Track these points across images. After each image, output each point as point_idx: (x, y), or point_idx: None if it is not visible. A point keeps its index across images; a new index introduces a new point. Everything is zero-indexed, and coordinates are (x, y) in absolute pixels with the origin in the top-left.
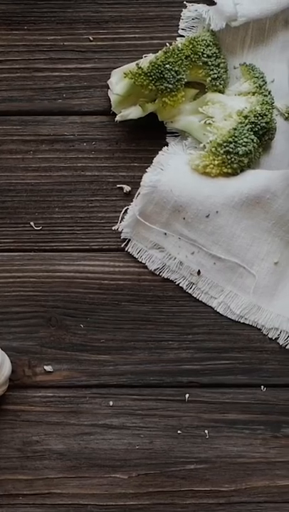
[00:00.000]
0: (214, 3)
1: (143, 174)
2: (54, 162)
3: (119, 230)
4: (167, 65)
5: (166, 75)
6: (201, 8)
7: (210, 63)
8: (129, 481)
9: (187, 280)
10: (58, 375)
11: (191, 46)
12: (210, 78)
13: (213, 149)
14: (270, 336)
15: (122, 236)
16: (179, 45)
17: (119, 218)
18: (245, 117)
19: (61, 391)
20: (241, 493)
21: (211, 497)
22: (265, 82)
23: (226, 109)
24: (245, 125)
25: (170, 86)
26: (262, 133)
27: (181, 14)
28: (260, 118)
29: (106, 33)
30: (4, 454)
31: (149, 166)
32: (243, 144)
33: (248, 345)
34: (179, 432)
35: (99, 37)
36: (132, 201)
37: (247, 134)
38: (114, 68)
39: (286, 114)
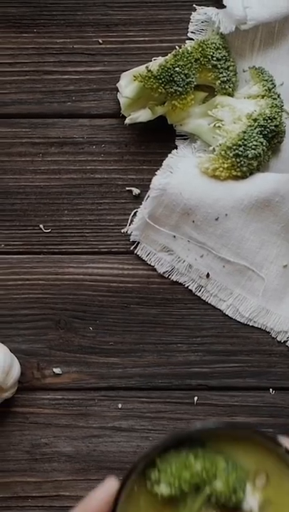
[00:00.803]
0: (224, 7)
1: (152, 177)
2: (63, 165)
3: (128, 232)
4: (177, 68)
5: (175, 78)
6: (211, 11)
7: (219, 66)
8: None
9: (196, 283)
10: (66, 378)
11: (200, 49)
12: (219, 81)
13: (223, 152)
14: (278, 339)
15: (131, 239)
16: (189, 48)
17: (128, 221)
18: (255, 120)
19: (70, 393)
20: None
21: None
22: (275, 85)
23: (235, 112)
24: (255, 128)
25: (180, 89)
26: (271, 136)
27: (191, 17)
28: (269, 121)
29: (115, 36)
30: (13, 457)
31: (158, 169)
32: (253, 147)
33: (256, 348)
34: None
35: (108, 40)
36: (141, 204)
37: (256, 137)
38: (124, 71)
39: None
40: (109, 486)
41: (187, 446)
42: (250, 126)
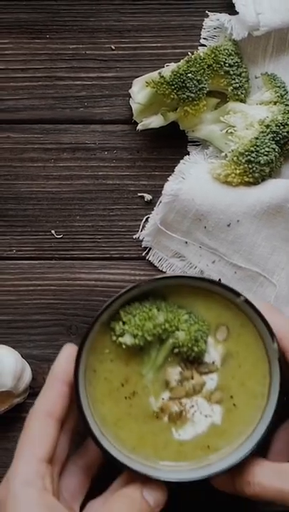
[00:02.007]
0: (236, 13)
1: (164, 183)
2: (75, 170)
3: (140, 238)
4: (189, 74)
5: (188, 84)
6: (223, 17)
7: (232, 72)
8: None
9: None
10: None
11: (213, 55)
12: (232, 87)
13: (235, 158)
14: None
15: (143, 245)
16: (201, 54)
17: (140, 227)
18: (267, 127)
19: None
20: None
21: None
22: (287, 92)
23: (247, 119)
24: (267, 134)
25: (192, 95)
26: (283, 142)
27: (203, 23)
28: (281, 127)
29: (128, 42)
30: None
31: (170, 175)
32: (265, 153)
33: None
34: None
35: (121, 46)
36: (153, 210)
37: (268, 144)
38: (136, 77)
39: None
40: (69, 349)
41: (150, 300)
42: (262, 132)
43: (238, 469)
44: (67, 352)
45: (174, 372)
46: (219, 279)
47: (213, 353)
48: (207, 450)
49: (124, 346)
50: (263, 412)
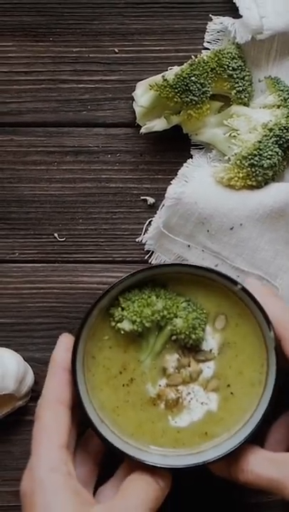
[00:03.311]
0: (240, 16)
1: (167, 186)
2: (78, 174)
3: (143, 241)
4: (193, 78)
5: (191, 88)
6: (227, 21)
7: (235, 76)
8: None
9: None
10: None
11: (216, 59)
12: (235, 91)
13: (238, 162)
14: None
15: (146, 248)
16: (205, 57)
17: (143, 230)
18: (270, 130)
19: None
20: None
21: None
22: None
23: (250, 122)
24: (270, 138)
25: (195, 98)
26: (286, 146)
27: (207, 27)
28: (284, 131)
29: (131, 45)
30: (26, 465)
31: (173, 178)
32: (268, 156)
33: None
34: None
35: (124, 49)
36: (155, 213)
37: (272, 147)
38: (139, 80)
39: None
40: (66, 338)
41: (149, 287)
42: (265, 136)
43: (235, 456)
44: (65, 340)
45: (171, 359)
46: (216, 265)
47: (211, 341)
48: (205, 437)
49: (122, 332)
50: (259, 399)
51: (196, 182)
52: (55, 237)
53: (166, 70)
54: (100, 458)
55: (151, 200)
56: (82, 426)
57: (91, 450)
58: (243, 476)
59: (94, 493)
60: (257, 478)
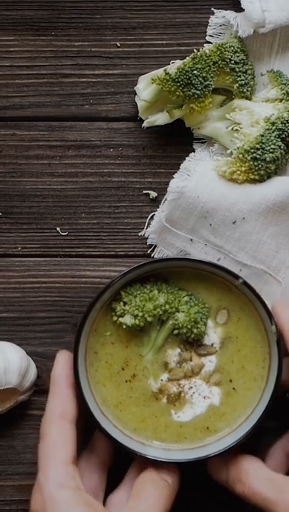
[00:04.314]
0: (242, 10)
1: (169, 180)
2: (80, 168)
3: (146, 235)
4: (195, 71)
5: (193, 81)
6: (229, 14)
7: (237, 70)
8: None
9: None
10: None
11: (218, 52)
12: (237, 85)
13: (240, 156)
14: None
15: (148, 242)
16: (207, 51)
17: (146, 224)
18: (273, 124)
19: None
20: None
21: (237, 505)
22: None
23: (253, 116)
24: (273, 132)
25: (198, 92)
26: None
27: (209, 21)
28: (287, 125)
29: (133, 39)
30: (29, 459)
31: (175, 172)
32: (270, 150)
33: None
34: None
35: (126, 43)
36: (158, 207)
37: (274, 141)
38: (142, 74)
39: None
40: (63, 355)
41: (151, 282)
42: (268, 129)
43: (236, 464)
44: (63, 357)
45: (173, 354)
46: (219, 259)
47: (213, 335)
48: (207, 431)
49: (124, 327)
50: (262, 394)
51: (199, 176)
52: (58, 232)
53: (169, 64)
54: (106, 467)
55: (153, 194)
56: (86, 433)
57: (96, 460)
58: (240, 487)
59: (104, 502)
60: (252, 494)
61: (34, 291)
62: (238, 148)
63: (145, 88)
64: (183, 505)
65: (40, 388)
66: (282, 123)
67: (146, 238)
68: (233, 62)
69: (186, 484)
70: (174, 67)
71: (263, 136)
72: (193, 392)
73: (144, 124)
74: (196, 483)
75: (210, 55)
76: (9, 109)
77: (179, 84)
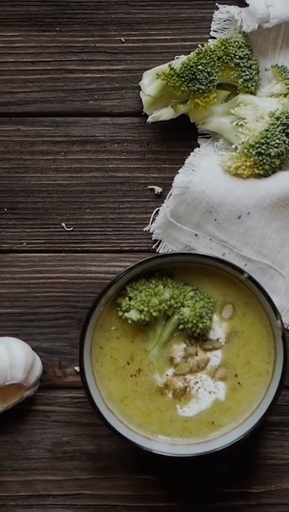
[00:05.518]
0: (246, 5)
1: (174, 175)
2: (85, 163)
3: (150, 231)
4: (199, 66)
5: (198, 76)
6: (233, 9)
7: (242, 65)
8: (160, 482)
9: None
10: None
11: (223, 48)
12: (242, 80)
13: (245, 150)
14: None
15: (153, 237)
16: (211, 46)
17: (150, 219)
18: (277, 119)
19: None
20: (271, 495)
21: (240, 498)
22: None
23: (257, 111)
24: (277, 126)
25: (202, 87)
26: None
27: (213, 16)
28: None
29: (138, 34)
30: (34, 455)
31: (180, 168)
32: (275, 145)
33: None
34: None
35: (130, 38)
36: (163, 202)
37: (279, 136)
38: (146, 70)
39: None
40: None
41: (157, 277)
42: (272, 124)
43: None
44: None
45: (178, 349)
46: (224, 254)
47: (218, 330)
48: (212, 426)
49: (130, 322)
50: (267, 388)
51: (204, 171)
52: (63, 227)
53: (173, 59)
54: None
55: (158, 189)
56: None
57: None
58: None
59: None
60: None
61: (39, 286)
62: (242, 143)
63: (150, 83)
64: (186, 501)
65: (46, 384)
66: (286, 118)
67: (151, 233)
68: (237, 57)
69: (190, 479)
70: (178, 62)
71: (267, 130)
72: (199, 387)
73: (149, 120)
74: (199, 478)
75: (214, 50)
76: (14, 104)
77: (183, 79)
